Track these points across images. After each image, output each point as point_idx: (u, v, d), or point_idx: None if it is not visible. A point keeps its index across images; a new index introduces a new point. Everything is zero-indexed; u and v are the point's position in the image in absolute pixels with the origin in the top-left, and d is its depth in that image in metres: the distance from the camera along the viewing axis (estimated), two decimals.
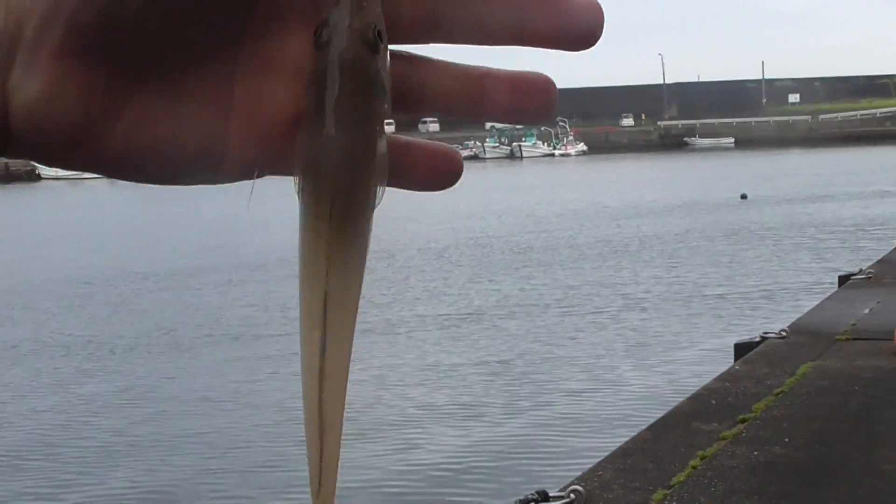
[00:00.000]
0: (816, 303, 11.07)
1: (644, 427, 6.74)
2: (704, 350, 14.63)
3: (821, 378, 7.55)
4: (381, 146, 0.61)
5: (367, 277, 0.62)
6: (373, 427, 11.32)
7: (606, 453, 6.22)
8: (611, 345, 15.60)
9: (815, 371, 7.72)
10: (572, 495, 5.30)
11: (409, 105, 0.65)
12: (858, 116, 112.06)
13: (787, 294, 19.56)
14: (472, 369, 14.29)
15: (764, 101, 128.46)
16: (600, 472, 5.79)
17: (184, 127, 0.62)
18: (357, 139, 0.61)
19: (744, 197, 44.18)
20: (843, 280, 12.48)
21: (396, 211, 39.97)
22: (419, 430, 11.35)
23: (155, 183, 0.64)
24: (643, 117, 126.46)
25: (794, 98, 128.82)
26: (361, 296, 0.63)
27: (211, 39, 0.62)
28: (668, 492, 5.43)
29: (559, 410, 11.87)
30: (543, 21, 0.62)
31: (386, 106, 0.62)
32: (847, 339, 8.74)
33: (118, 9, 0.57)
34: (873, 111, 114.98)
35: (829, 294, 11.77)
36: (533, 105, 0.64)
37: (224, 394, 13.70)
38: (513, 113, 0.65)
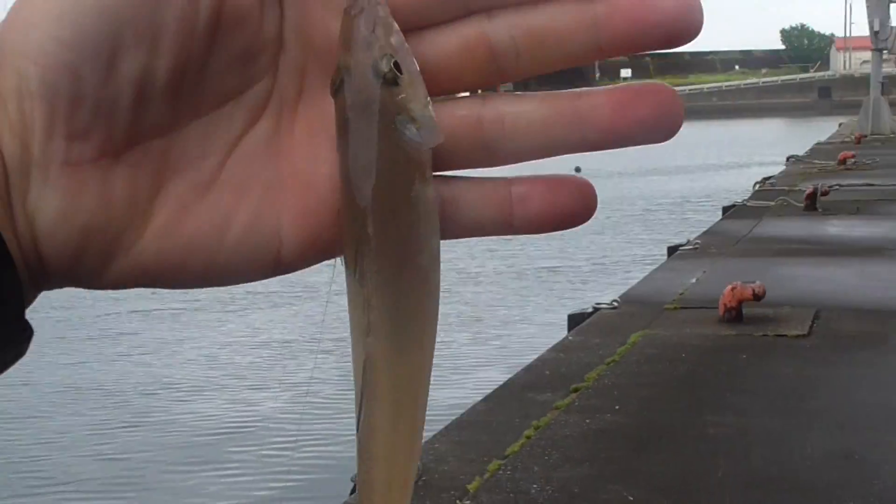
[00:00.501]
0: (646, 273, 11.34)
1: (479, 399, 6.84)
2: (539, 322, 14.86)
3: (650, 346, 7.76)
4: (421, 193, 0.54)
5: None
6: (205, 407, 11.21)
7: (442, 426, 6.30)
8: (445, 319, 15.70)
9: (645, 340, 7.94)
10: None
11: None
12: (687, 91, 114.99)
13: (618, 266, 19.99)
14: (306, 346, 14.24)
15: (597, 76, 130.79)
16: (436, 445, 5.85)
17: (223, 214, 0.58)
18: (385, 188, 0.54)
19: (577, 170, 44.92)
20: (672, 251, 12.82)
21: None
22: (252, 409, 11.27)
23: (205, 284, 0.59)
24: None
25: (626, 73, 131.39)
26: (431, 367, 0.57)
27: (237, 112, 0.58)
28: (503, 462, 5.53)
29: None
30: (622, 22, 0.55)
31: (429, 144, 0.55)
32: (675, 308, 9.00)
33: (113, 99, 0.54)
34: (700, 86, 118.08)
35: (658, 265, 12.08)
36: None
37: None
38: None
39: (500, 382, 7.31)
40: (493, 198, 0.59)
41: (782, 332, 8.01)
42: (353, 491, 5.30)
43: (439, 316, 0.58)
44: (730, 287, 8.39)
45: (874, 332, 8.01)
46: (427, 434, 6.48)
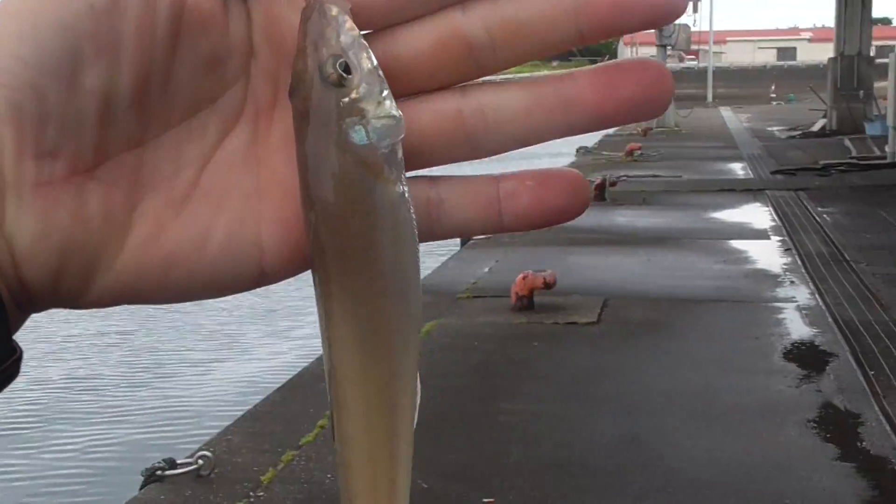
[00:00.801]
0: (440, 263, 11.45)
1: (273, 390, 6.78)
2: None
3: (443, 335, 7.83)
4: (380, 196, 0.52)
5: None
6: None
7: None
8: (236, 311, 15.53)
9: (438, 329, 8.00)
10: (200, 461, 5.26)
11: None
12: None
13: None
14: (91, 340, 13.86)
15: None
16: (229, 437, 5.78)
17: (202, 226, 0.56)
18: (337, 195, 0.52)
19: None
20: (465, 241, 12.96)
21: None
22: (37, 408, 10.91)
23: (189, 298, 0.58)
24: None
25: None
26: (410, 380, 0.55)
27: (210, 121, 0.56)
28: (297, 452, 5.50)
29: (186, 380, 11.72)
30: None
31: (384, 144, 0.52)
32: (468, 298, 9.11)
33: (79, 115, 0.52)
34: (491, 79, 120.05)
35: (451, 255, 12.20)
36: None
37: None
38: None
39: (294, 373, 7.25)
40: (480, 196, 0.57)
41: (573, 319, 8.20)
42: None
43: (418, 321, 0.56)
44: (521, 276, 8.54)
45: (659, 320, 8.28)
46: (220, 425, 6.39)
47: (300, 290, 17.08)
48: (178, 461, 5.28)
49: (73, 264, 0.54)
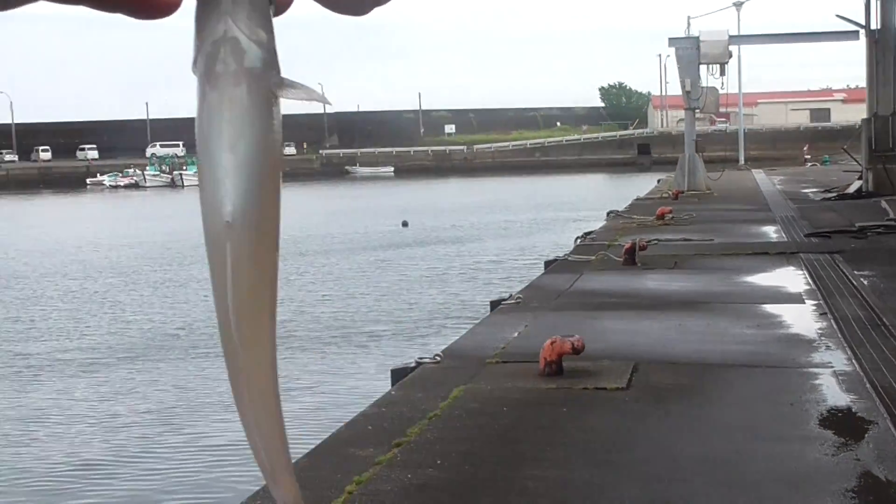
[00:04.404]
0: (469, 328, 11.39)
1: (301, 455, 6.72)
2: (362, 377, 14.78)
3: (472, 400, 7.76)
4: None
5: None
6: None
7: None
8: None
9: (467, 394, 7.93)
10: None
11: None
12: (511, 147, 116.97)
13: (442, 320, 20.07)
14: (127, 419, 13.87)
15: (422, 131, 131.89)
16: (258, 502, 5.72)
17: None
18: None
19: (405, 224, 45.05)
20: (495, 305, 12.91)
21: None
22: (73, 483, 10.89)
23: None
24: (305, 146, 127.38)
25: (450, 129, 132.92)
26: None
27: None
28: None
29: (219, 441, 11.68)
30: None
31: None
32: (496, 363, 9.04)
33: None
34: (524, 142, 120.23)
35: (481, 319, 12.14)
36: None
37: None
38: None
39: (322, 438, 7.20)
40: None
41: (602, 385, 8.11)
42: None
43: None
44: (550, 341, 8.47)
45: (690, 386, 8.18)
46: (248, 492, 6.34)
47: (326, 356, 17.08)
48: None
49: None
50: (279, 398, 0.81)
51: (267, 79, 0.78)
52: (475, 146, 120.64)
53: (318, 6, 0.79)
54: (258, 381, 0.78)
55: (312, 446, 6.97)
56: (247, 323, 0.77)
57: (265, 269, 0.77)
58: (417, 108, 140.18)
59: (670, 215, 23.42)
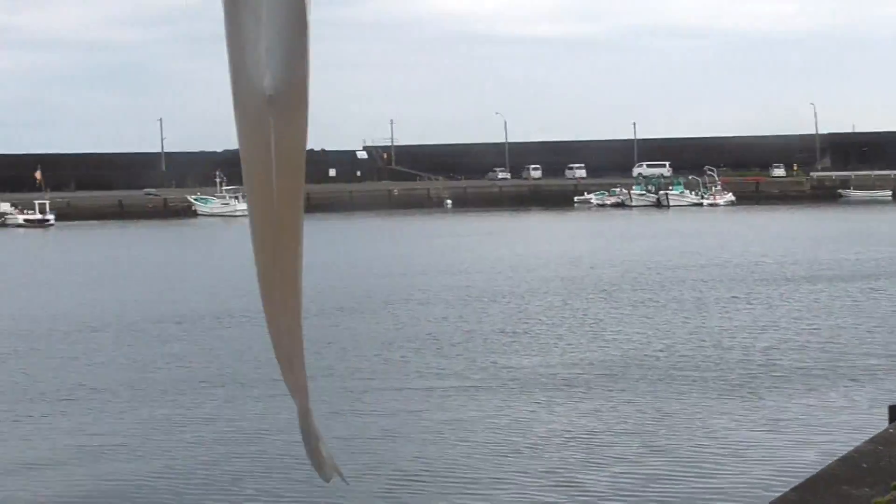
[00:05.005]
0: None
1: (789, 489, 6.48)
2: (854, 411, 14.11)
3: None
4: None
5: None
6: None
7: None
8: (741, 415, 15.12)
9: None
10: None
11: None
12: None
13: None
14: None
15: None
16: None
17: None
18: None
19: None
20: None
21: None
22: None
23: None
24: (795, 168, 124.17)
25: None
26: None
27: None
28: None
29: (694, 486, 11.54)
30: None
31: None
32: None
33: None
34: None
35: None
36: None
37: None
38: None
39: (811, 470, 6.90)
40: None
41: None
42: None
43: None
44: None
45: None
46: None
47: (815, 388, 16.42)
48: None
49: None
50: (301, 285, 0.84)
51: None
52: None
53: None
54: (288, 266, 0.83)
55: (801, 479, 6.69)
56: (285, 203, 0.80)
57: (302, 144, 0.78)
58: None
59: None
